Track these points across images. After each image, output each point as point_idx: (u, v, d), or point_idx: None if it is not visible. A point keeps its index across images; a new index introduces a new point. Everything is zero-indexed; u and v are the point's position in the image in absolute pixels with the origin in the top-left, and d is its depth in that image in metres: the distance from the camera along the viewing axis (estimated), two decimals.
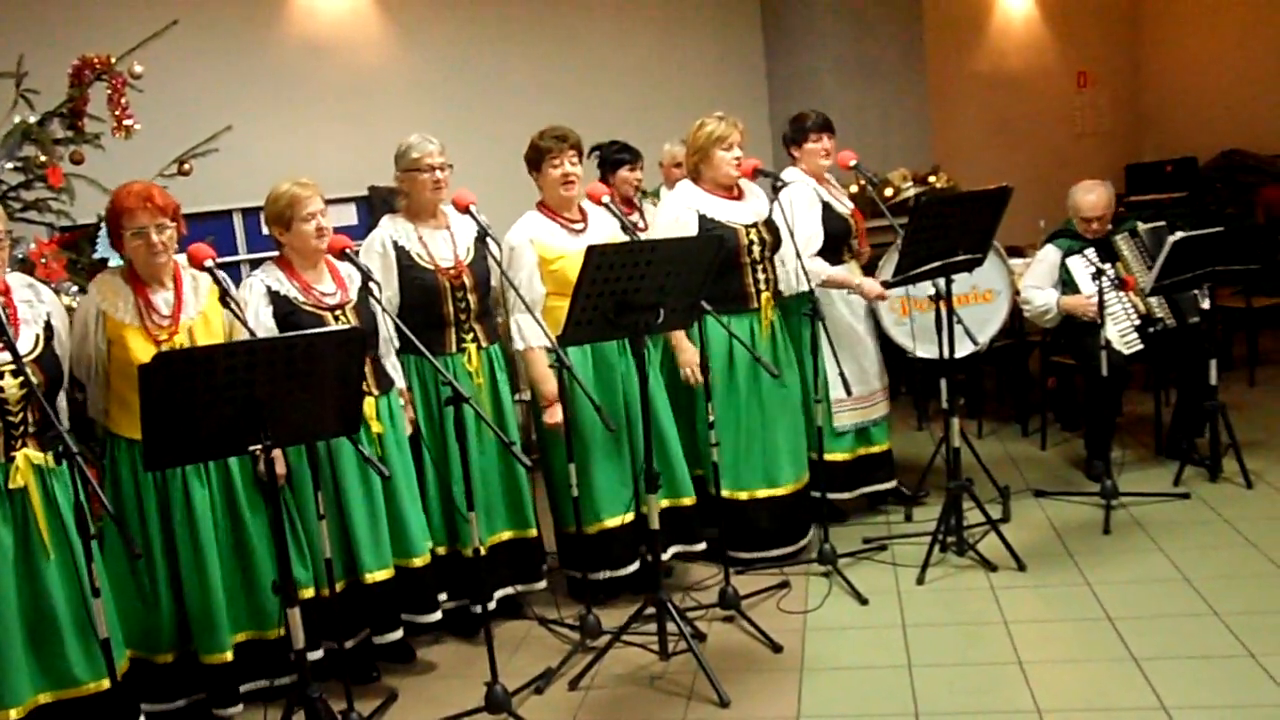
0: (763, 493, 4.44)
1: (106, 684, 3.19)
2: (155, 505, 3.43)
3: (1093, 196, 5.21)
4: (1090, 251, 5.13)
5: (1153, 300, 5.14)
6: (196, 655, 3.52)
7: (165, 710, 3.54)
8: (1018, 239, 6.78)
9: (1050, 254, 5.28)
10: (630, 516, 4.20)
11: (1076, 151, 9.79)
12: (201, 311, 3.53)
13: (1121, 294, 5.07)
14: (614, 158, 5.50)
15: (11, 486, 3.09)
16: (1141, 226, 5.37)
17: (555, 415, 4.03)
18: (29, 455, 3.12)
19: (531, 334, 4.04)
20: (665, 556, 4.25)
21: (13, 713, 3.08)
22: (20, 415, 3.11)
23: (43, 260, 3.76)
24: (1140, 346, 5.09)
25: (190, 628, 3.50)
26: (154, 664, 3.50)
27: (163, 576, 3.46)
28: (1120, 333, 5.08)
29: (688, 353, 4.30)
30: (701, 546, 4.39)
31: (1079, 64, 10.10)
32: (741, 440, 4.41)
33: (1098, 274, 4.71)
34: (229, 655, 3.51)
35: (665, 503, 4.22)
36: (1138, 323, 5.12)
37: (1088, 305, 4.93)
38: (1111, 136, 10.24)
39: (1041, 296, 5.22)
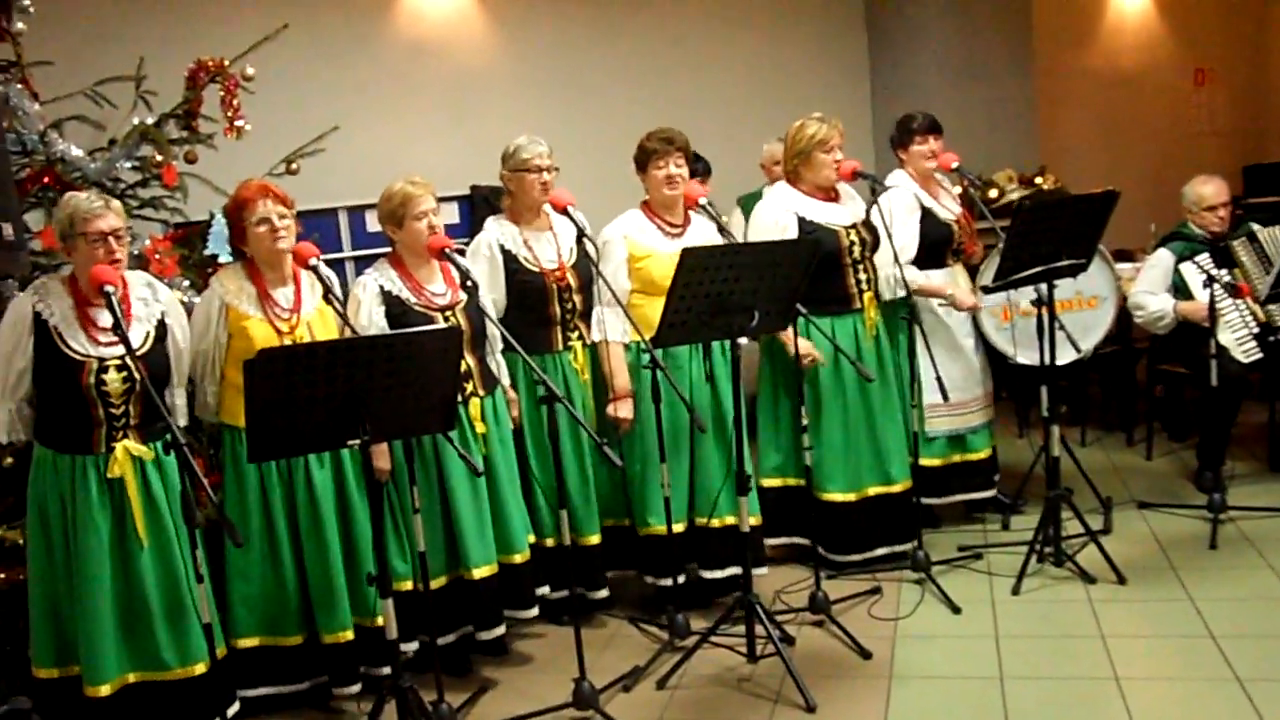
0: (874, 490, 4.40)
1: (197, 669, 3.34)
2: (281, 493, 3.54)
3: (1213, 186, 5.06)
4: (1203, 257, 4.97)
5: (1273, 308, 4.96)
6: (319, 636, 3.62)
7: (289, 693, 3.65)
8: (1128, 242, 6.61)
9: (1163, 258, 5.12)
10: (679, 526, 4.09)
11: (1192, 152, 9.48)
12: (318, 308, 3.65)
13: (1237, 301, 4.91)
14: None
15: (110, 476, 3.24)
16: (1261, 230, 5.17)
17: (626, 410, 4.05)
18: (128, 447, 3.27)
19: (612, 328, 4.07)
20: (724, 575, 4.21)
21: (104, 688, 3.23)
22: (122, 408, 3.26)
23: (156, 256, 3.90)
24: (1259, 355, 4.92)
25: (313, 610, 3.61)
26: (282, 648, 3.61)
27: (289, 559, 3.56)
28: (1237, 340, 4.92)
29: (801, 347, 4.17)
30: (765, 570, 4.24)
31: (1197, 61, 9.78)
32: (851, 440, 4.37)
33: (1209, 281, 4.56)
34: (350, 634, 3.60)
35: (730, 520, 4.09)
36: (1256, 330, 4.95)
37: (1205, 311, 4.76)
38: (1230, 136, 9.90)
39: (1156, 303, 5.06)
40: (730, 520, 4.09)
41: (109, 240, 3.19)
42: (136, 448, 3.29)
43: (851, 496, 4.39)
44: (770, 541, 4.41)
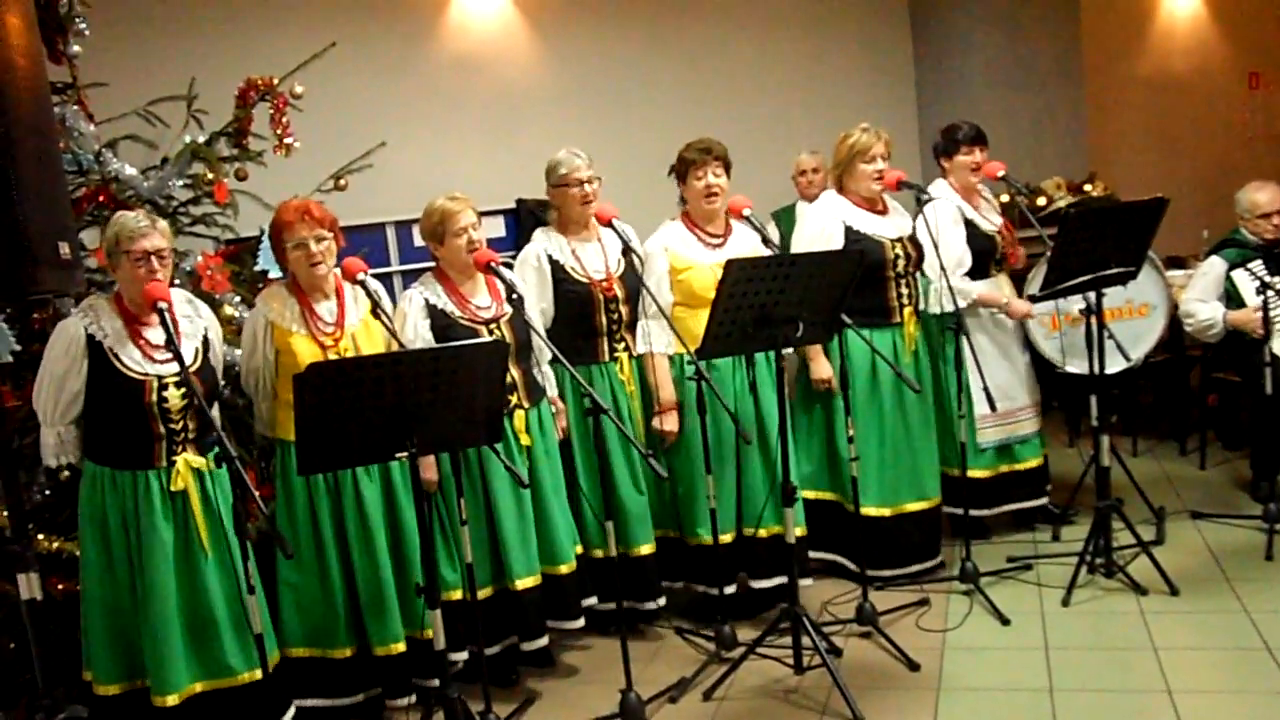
0: (911, 507, 4.38)
1: (260, 673, 3.37)
2: (328, 506, 3.59)
3: (1267, 193, 4.99)
4: (1257, 264, 4.89)
5: None
6: (370, 649, 3.65)
7: (342, 706, 3.68)
8: (1180, 250, 6.53)
9: (1215, 266, 5.05)
10: (728, 537, 4.13)
11: (1245, 157, 9.32)
12: (363, 320, 3.70)
13: None
14: None
15: (173, 489, 3.31)
16: None
17: (670, 423, 4.06)
18: (189, 460, 3.33)
19: (658, 339, 4.08)
20: (767, 585, 4.21)
21: (171, 698, 3.28)
22: (181, 423, 3.32)
23: (209, 272, 3.96)
24: None
25: (364, 622, 3.65)
26: (331, 660, 3.64)
27: (337, 572, 3.60)
28: None
29: (821, 370, 4.27)
30: (810, 581, 4.30)
31: (1250, 64, 9.62)
32: (887, 455, 4.35)
33: (1263, 287, 4.50)
34: (402, 645, 3.64)
35: (777, 529, 4.13)
36: None
37: (1258, 321, 4.69)
38: None
39: (1206, 311, 5.00)
40: (776, 530, 4.10)
41: (151, 260, 3.24)
42: (196, 460, 3.36)
43: (886, 511, 4.37)
44: (816, 555, 4.40)
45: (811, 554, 4.40)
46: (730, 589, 4.17)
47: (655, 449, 4.13)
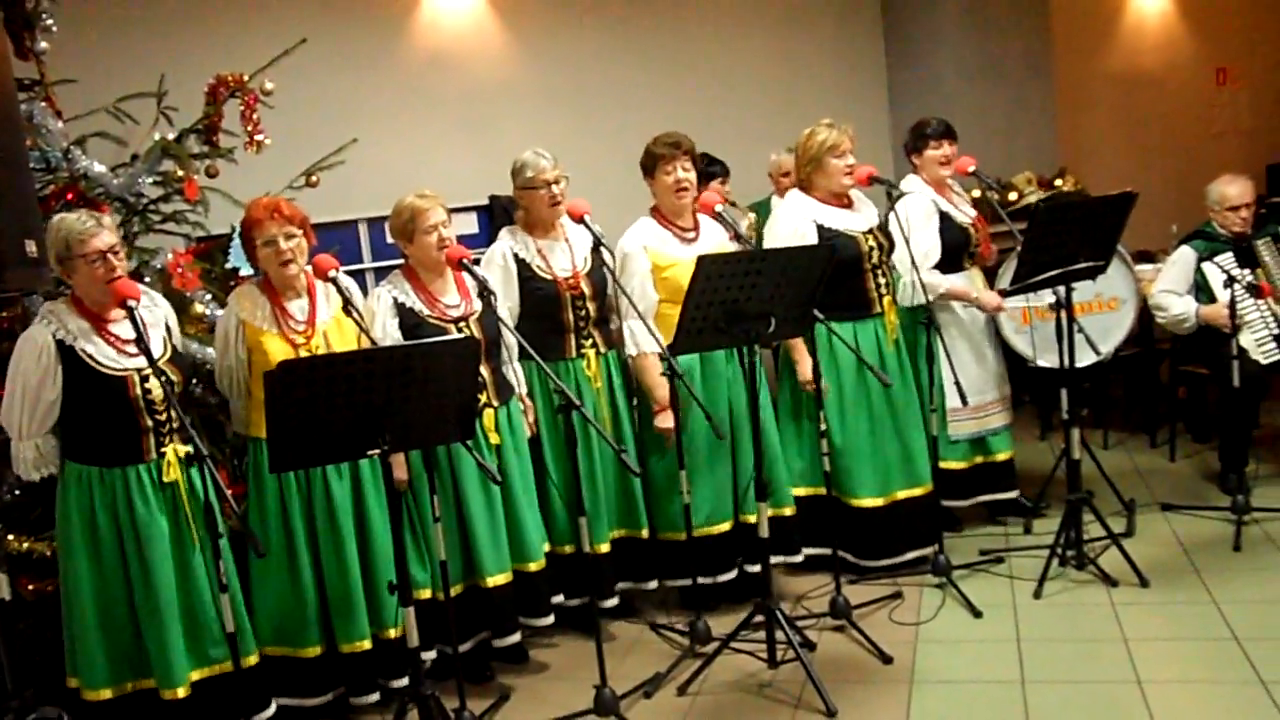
0: (903, 494, 4.40)
1: (253, 659, 3.41)
2: (299, 504, 3.58)
3: (1237, 186, 5.03)
4: (1225, 257, 4.94)
5: None
6: (337, 647, 3.65)
7: (310, 705, 3.67)
8: (1150, 244, 6.57)
9: (1185, 256, 5.09)
10: (726, 525, 4.20)
11: (1214, 152, 9.42)
12: (334, 318, 3.68)
13: (1259, 301, 4.88)
14: (705, 170, 5.50)
15: (165, 480, 3.31)
16: None
17: (667, 421, 4.06)
18: (177, 450, 3.33)
19: (644, 340, 4.08)
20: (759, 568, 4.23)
21: (181, 690, 3.30)
22: (165, 413, 3.31)
23: (179, 270, 3.94)
24: (1278, 356, 4.89)
25: (331, 620, 3.64)
26: (301, 659, 3.63)
27: (307, 571, 3.59)
28: (1258, 341, 4.89)
29: (803, 364, 4.29)
30: (800, 558, 4.36)
31: (1218, 60, 9.72)
32: (878, 444, 4.37)
33: (1230, 281, 4.54)
34: (368, 643, 3.63)
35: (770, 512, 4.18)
36: (1277, 331, 4.92)
37: (1228, 316, 4.72)
38: (1252, 135, 9.82)
39: (1179, 305, 5.03)
40: (770, 513, 4.12)
41: (107, 258, 3.22)
42: (184, 449, 3.35)
43: (880, 501, 4.39)
44: (809, 552, 4.41)
45: (808, 551, 4.40)
46: (728, 576, 4.22)
47: (650, 448, 4.19)
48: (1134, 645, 3.67)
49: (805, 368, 4.25)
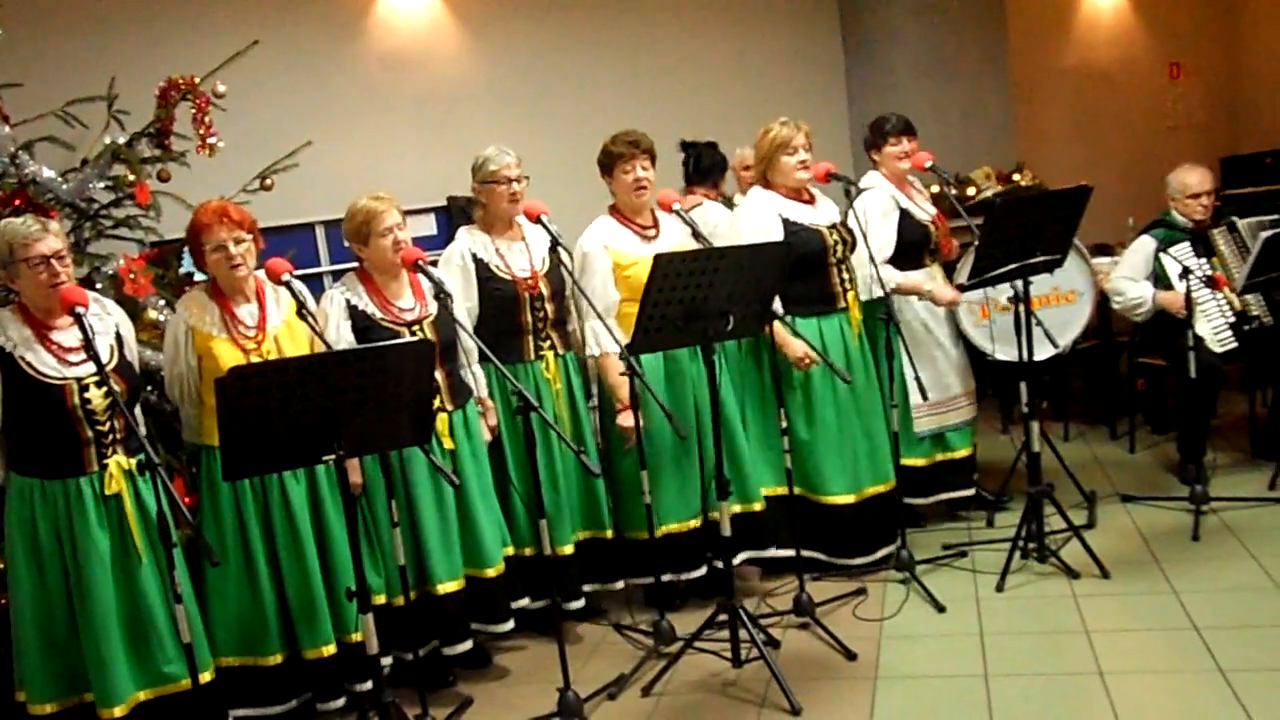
0: (872, 490, 4.40)
1: (204, 677, 3.32)
2: (255, 510, 3.53)
3: (1197, 174, 5.07)
4: (1181, 248, 4.98)
5: (1250, 298, 4.98)
6: (300, 655, 3.60)
7: (274, 714, 3.62)
8: (1106, 237, 6.63)
9: (1145, 244, 5.12)
10: (695, 522, 4.20)
11: (1168, 145, 9.50)
12: (285, 322, 3.63)
13: (1215, 293, 4.92)
14: (715, 163, 5.52)
15: (107, 493, 3.23)
16: (1240, 221, 5.18)
17: (628, 420, 4.04)
18: (120, 462, 3.25)
19: (605, 340, 4.06)
20: (736, 562, 4.23)
21: (118, 709, 3.21)
22: (108, 424, 3.24)
23: (131, 276, 3.88)
24: (1234, 345, 4.94)
25: (294, 627, 3.59)
26: (263, 668, 3.58)
27: (266, 578, 3.54)
28: (1214, 330, 4.94)
29: (793, 348, 4.24)
30: (771, 553, 4.36)
31: (1171, 55, 9.82)
32: (846, 439, 4.37)
33: (1185, 273, 4.58)
34: (332, 648, 3.59)
35: (737, 508, 4.21)
36: (1232, 320, 4.97)
37: (1182, 301, 4.75)
38: (1205, 129, 9.93)
39: (1135, 290, 5.06)
40: (737, 508, 4.19)
41: (51, 263, 3.15)
42: (127, 462, 3.28)
43: (852, 498, 4.38)
44: (778, 553, 4.39)
45: (778, 551, 4.38)
46: (699, 573, 4.24)
47: (616, 448, 4.19)
48: (1095, 636, 3.69)
49: (795, 348, 4.23)
